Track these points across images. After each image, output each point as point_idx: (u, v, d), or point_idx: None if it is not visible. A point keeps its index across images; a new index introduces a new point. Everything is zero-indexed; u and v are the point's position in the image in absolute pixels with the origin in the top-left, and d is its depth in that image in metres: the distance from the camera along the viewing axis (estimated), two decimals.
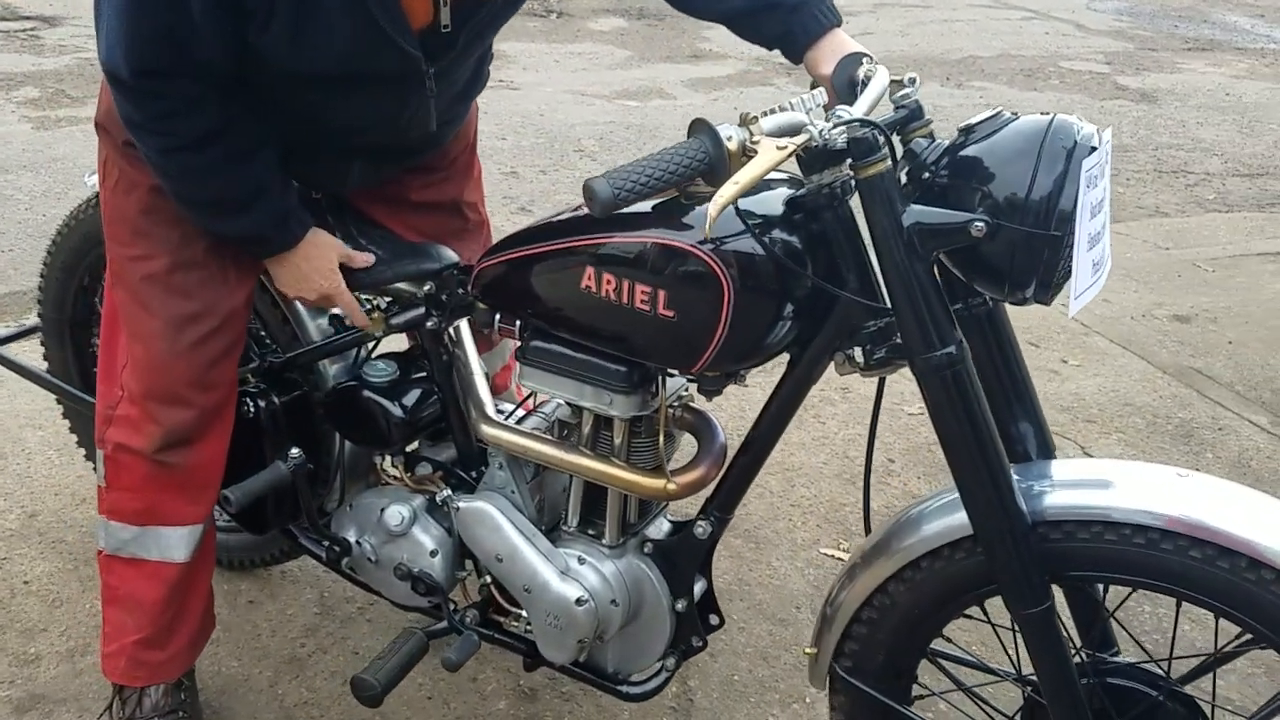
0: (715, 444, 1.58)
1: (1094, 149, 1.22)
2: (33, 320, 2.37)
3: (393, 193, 1.81)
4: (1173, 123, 6.24)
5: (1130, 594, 1.41)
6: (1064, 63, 7.54)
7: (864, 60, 1.50)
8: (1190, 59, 7.93)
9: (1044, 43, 8.12)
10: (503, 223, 3.79)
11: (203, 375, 1.65)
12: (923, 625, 1.45)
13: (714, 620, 1.69)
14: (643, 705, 1.99)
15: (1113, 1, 9.87)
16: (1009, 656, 1.49)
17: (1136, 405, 3.16)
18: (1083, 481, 1.36)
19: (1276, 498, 1.30)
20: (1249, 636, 1.29)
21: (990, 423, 1.30)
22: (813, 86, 1.58)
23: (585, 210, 1.35)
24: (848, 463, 2.77)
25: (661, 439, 1.53)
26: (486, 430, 1.65)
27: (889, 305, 1.32)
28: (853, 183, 1.31)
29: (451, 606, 1.75)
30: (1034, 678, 1.39)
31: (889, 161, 1.26)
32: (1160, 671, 1.42)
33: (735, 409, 2.84)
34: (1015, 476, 1.36)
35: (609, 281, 1.38)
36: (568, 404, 1.60)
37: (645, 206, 1.37)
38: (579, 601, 1.58)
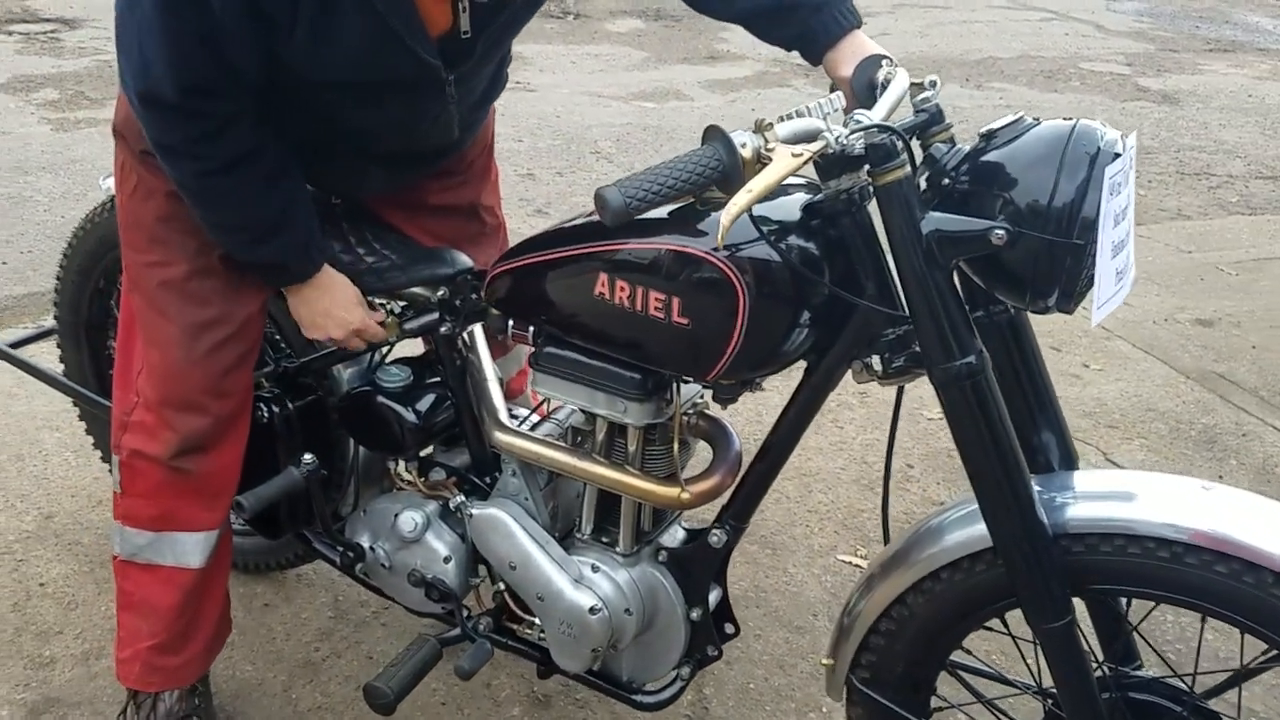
0: (730, 452, 1.56)
1: (1117, 155, 1.20)
2: (49, 323, 2.37)
3: (410, 197, 1.79)
4: (1195, 124, 6.19)
5: (1154, 608, 1.39)
6: (1084, 64, 7.49)
7: (884, 63, 1.47)
8: (1212, 60, 7.87)
9: (1064, 44, 8.07)
10: (519, 225, 3.78)
11: (218, 382, 1.64)
12: (941, 638, 1.43)
13: (729, 629, 1.67)
14: (657, 714, 1.97)
15: (1133, 2, 9.80)
16: (1029, 668, 1.47)
17: (1159, 410, 3.12)
18: (1106, 494, 1.33)
19: None
20: (1275, 653, 1.27)
21: (1011, 434, 1.28)
22: (832, 89, 1.56)
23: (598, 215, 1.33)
24: (866, 468, 2.75)
25: (676, 447, 1.51)
26: (499, 437, 1.64)
27: (907, 313, 1.30)
28: (871, 188, 1.29)
29: (465, 613, 1.74)
30: (1054, 691, 1.37)
31: (908, 168, 1.24)
32: (1184, 686, 1.39)
33: (751, 413, 2.82)
34: (1037, 488, 1.34)
35: (622, 288, 1.37)
36: (581, 411, 1.58)
37: (660, 213, 1.35)
38: (592, 610, 1.57)
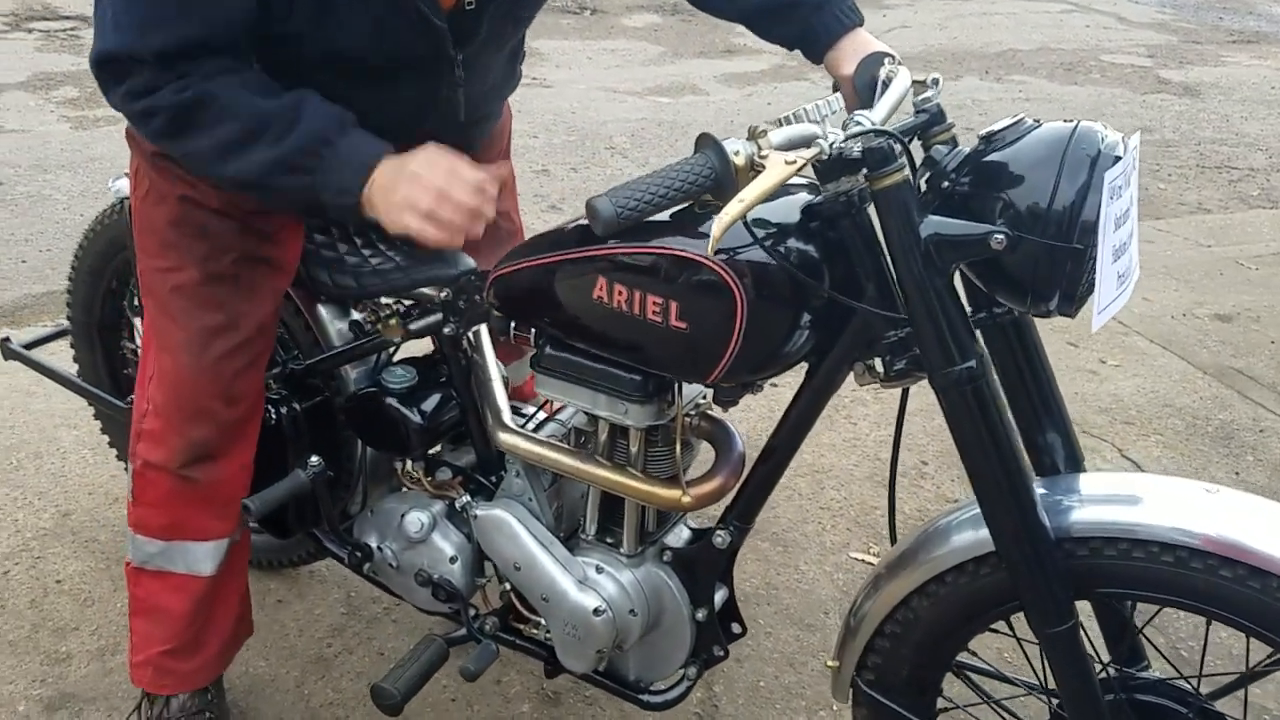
0: (733, 453, 1.56)
1: (1118, 159, 1.18)
2: (66, 322, 2.39)
3: None
4: (1216, 117, 6.13)
5: (1158, 611, 1.38)
6: (1105, 56, 7.43)
7: (886, 60, 1.46)
8: (1235, 51, 7.79)
9: (1085, 36, 8.01)
10: (533, 221, 3.79)
11: (228, 388, 1.64)
12: (946, 641, 1.43)
13: (736, 629, 1.66)
14: (666, 713, 1.97)
15: None
16: (1033, 669, 1.46)
17: (1176, 406, 3.10)
18: (1110, 497, 1.32)
19: None
20: (1275, 659, 1.26)
21: (1013, 437, 1.27)
22: (835, 88, 1.56)
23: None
24: (879, 465, 2.74)
25: (678, 448, 1.51)
26: (503, 437, 1.64)
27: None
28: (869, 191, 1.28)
29: (472, 613, 1.75)
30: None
31: (905, 172, 1.23)
32: (1190, 688, 1.38)
33: (765, 410, 2.82)
34: (1042, 491, 1.33)
35: (620, 292, 1.36)
36: (583, 412, 1.58)
37: (658, 216, 1.34)
38: (596, 611, 1.57)
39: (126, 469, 1.79)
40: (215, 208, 1.57)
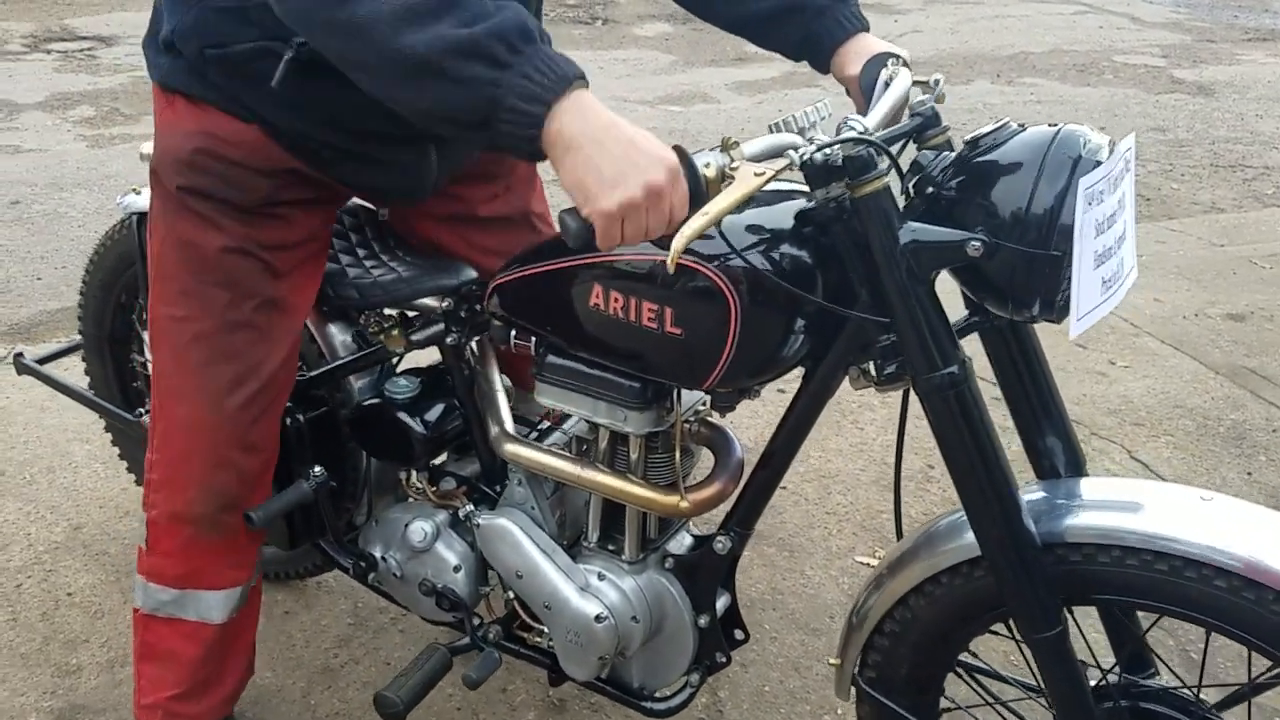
0: (732, 459, 1.56)
1: (1099, 164, 1.17)
2: (75, 338, 2.42)
3: (459, 209, 1.76)
4: (1230, 115, 6.09)
5: (1157, 620, 1.37)
6: (1118, 57, 7.40)
7: (889, 61, 1.46)
8: (1250, 50, 7.74)
9: (1098, 37, 7.98)
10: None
11: (246, 436, 1.61)
12: (945, 641, 1.42)
13: (739, 635, 1.67)
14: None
15: None
16: (1034, 673, 1.45)
17: (1187, 407, 3.08)
18: (1104, 503, 1.31)
19: None
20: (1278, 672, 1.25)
21: (996, 443, 1.27)
22: (847, 92, 1.57)
23: None
24: (885, 469, 2.74)
25: (678, 455, 1.52)
26: (505, 446, 1.65)
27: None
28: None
29: (476, 622, 1.76)
30: None
31: (885, 180, 1.22)
32: (1192, 696, 1.37)
33: (774, 416, 2.82)
34: (1039, 495, 1.33)
35: (616, 299, 1.37)
36: (584, 420, 1.59)
37: None
38: (598, 618, 1.58)
39: (139, 483, 1.79)
40: (237, 247, 1.51)
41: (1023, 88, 6.52)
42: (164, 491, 1.65)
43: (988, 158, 1.23)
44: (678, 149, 1.18)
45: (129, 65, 6.43)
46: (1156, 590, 1.24)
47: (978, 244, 1.18)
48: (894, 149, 1.26)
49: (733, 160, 1.18)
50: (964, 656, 1.49)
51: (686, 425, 1.55)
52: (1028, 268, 1.18)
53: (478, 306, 1.67)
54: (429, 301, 1.72)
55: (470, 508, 1.72)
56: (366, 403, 1.76)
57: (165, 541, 1.68)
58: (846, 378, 1.41)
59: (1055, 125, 1.23)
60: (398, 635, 2.18)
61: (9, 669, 2.08)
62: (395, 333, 1.74)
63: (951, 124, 1.39)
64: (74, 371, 2.52)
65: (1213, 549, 1.20)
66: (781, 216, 1.34)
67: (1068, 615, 1.33)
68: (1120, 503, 1.30)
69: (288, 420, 1.84)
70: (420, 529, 1.73)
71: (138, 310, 2.26)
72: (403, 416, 1.71)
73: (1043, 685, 1.36)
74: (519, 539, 1.65)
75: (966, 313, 1.37)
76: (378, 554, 1.81)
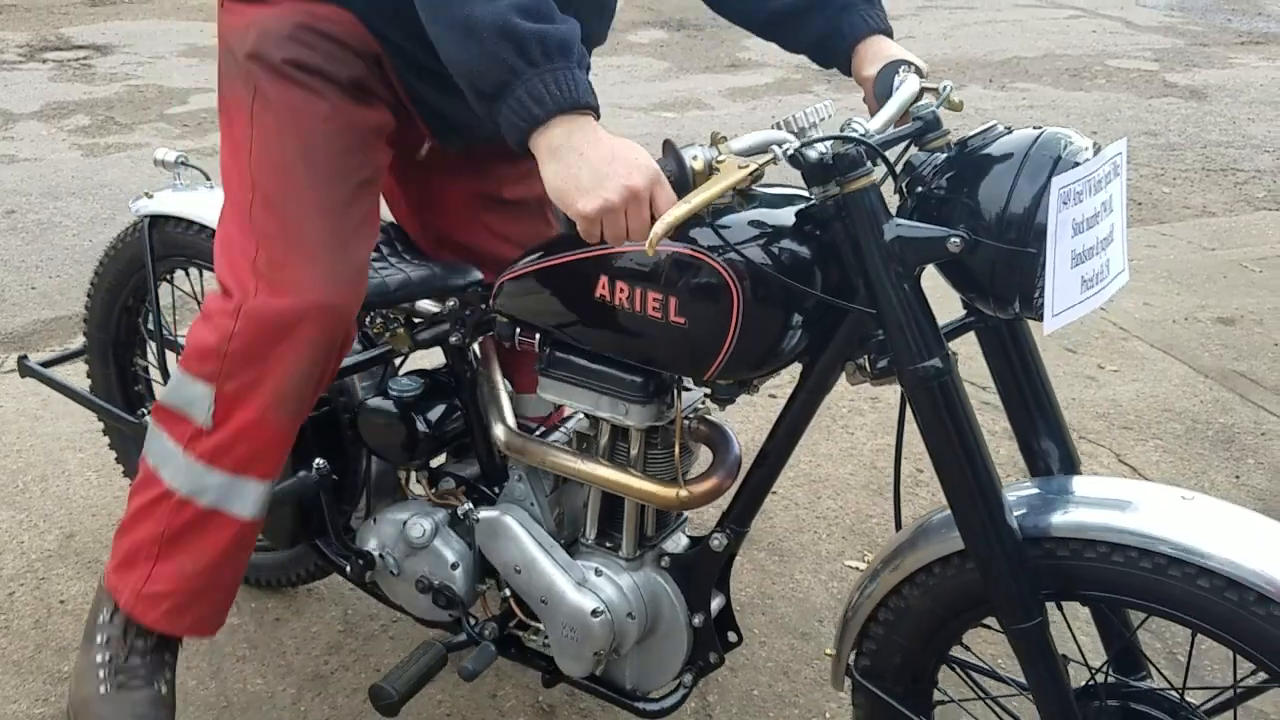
0: (730, 455, 1.60)
1: (1077, 165, 1.21)
2: (78, 344, 2.43)
3: (489, 189, 1.81)
4: (1223, 119, 6.11)
5: (1146, 619, 1.39)
6: (1111, 61, 7.42)
7: (900, 68, 1.51)
8: (1243, 53, 7.77)
9: (1091, 41, 8.01)
10: None
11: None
12: (938, 632, 1.44)
13: (732, 637, 1.69)
14: None
15: None
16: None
17: (1176, 411, 3.09)
18: (1086, 500, 1.33)
19: None
20: (1266, 677, 1.25)
21: (979, 436, 1.30)
22: (864, 96, 1.61)
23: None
24: (875, 474, 2.75)
25: (678, 450, 1.55)
26: (508, 441, 1.68)
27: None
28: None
29: (471, 622, 1.78)
30: None
31: (873, 177, 1.27)
32: (1186, 702, 1.39)
33: (764, 422, 2.83)
34: (1027, 491, 1.36)
35: (622, 290, 1.42)
36: (585, 415, 1.63)
37: None
38: (595, 613, 1.60)
39: (188, 409, 1.63)
40: (342, 121, 1.55)
41: (1015, 93, 6.55)
42: (247, 365, 1.56)
43: (973, 158, 1.28)
44: (667, 142, 1.26)
45: (124, 74, 6.46)
46: (1139, 588, 1.26)
47: (957, 240, 1.23)
48: (893, 150, 1.32)
49: (720, 154, 1.23)
50: (959, 654, 1.51)
51: (685, 422, 1.58)
52: (1007, 264, 1.23)
53: (483, 305, 1.71)
54: (432, 302, 1.75)
55: (469, 506, 1.75)
56: (371, 401, 1.78)
57: (239, 415, 1.58)
58: (843, 373, 1.45)
59: (1039, 128, 1.27)
60: (388, 642, 2.19)
61: (1, 676, 2.09)
62: (401, 332, 1.77)
63: (945, 129, 1.43)
64: (74, 379, 2.53)
65: (1192, 548, 1.22)
66: (784, 214, 1.40)
67: (1057, 611, 1.35)
68: (1103, 500, 1.32)
69: None
70: (420, 525, 1.75)
71: (143, 314, 2.29)
72: (407, 415, 1.74)
73: (1025, 678, 1.37)
74: (518, 533, 1.67)
75: (963, 313, 1.42)
76: (375, 552, 1.83)
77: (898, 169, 1.36)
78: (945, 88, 1.46)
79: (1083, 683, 1.42)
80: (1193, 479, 2.76)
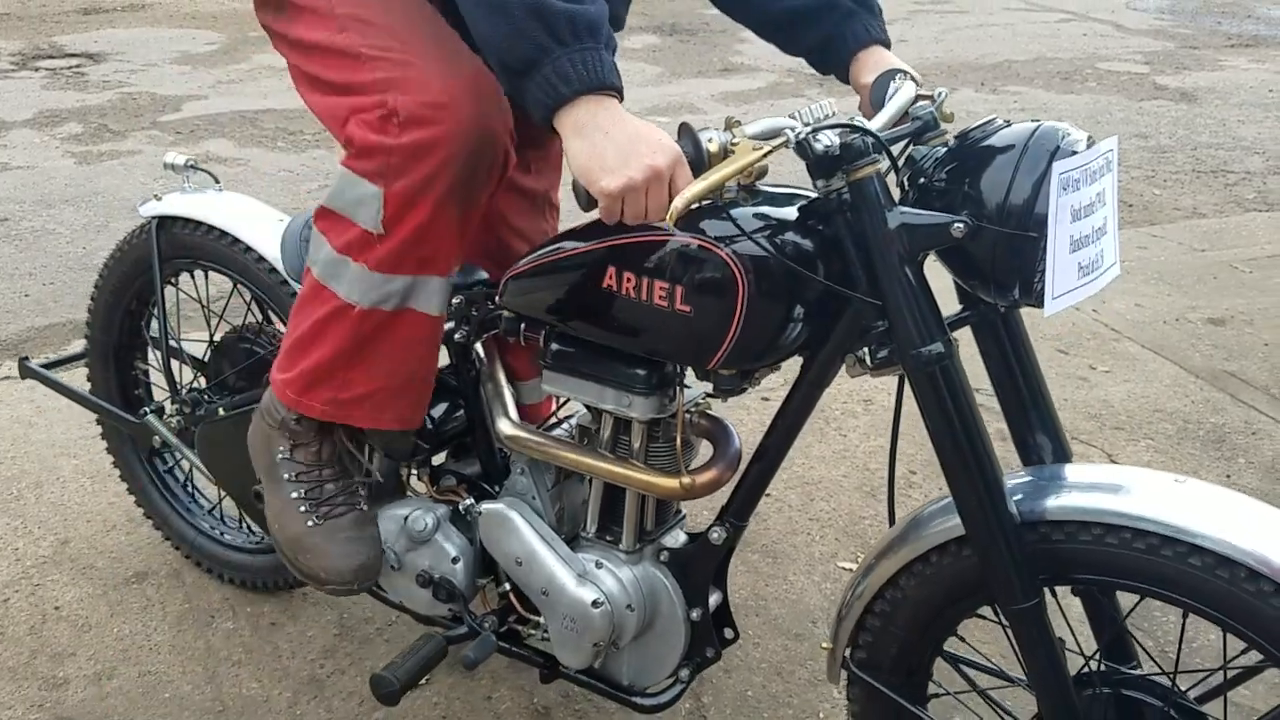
0: (731, 448, 1.62)
1: (1075, 154, 1.25)
2: (78, 347, 2.43)
3: (512, 175, 1.76)
4: (1213, 122, 6.14)
5: (1140, 601, 1.40)
6: (1102, 64, 7.45)
7: (897, 75, 1.56)
8: (1233, 56, 7.80)
9: (1081, 44, 8.04)
10: None
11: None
12: (935, 621, 1.46)
13: (729, 634, 1.72)
14: (656, 718, 2.00)
15: (1154, 0, 9.74)
16: (1021, 662, 1.48)
17: (1166, 411, 3.11)
18: (1081, 485, 1.36)
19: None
20: (1261, 658, 1.27)
21: (979, 420, 1.33)
22: (860, 102, 1.65)
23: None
24: (868, 475, 2.76)
25: (679, 443, 1.57)
26: (512, 435, 1.70)
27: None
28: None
29: (471, 617, 1.79)
30: None
31: (878, 165, 1.31)
32: (1176, 687, 1.40)
33: (758, 425, 2.85)
34: (1022, 479, 1.39)
35: (629, 279, 1.45)
36: (588, 408, 1.65)
37: None
38: (595, 604, 1.62)
39: (354, 213, 1.55)
40: None
41: (1006, 96, 6.57)
42: (416, 161, 1.48)
43: (973, 150, 1.32)
44: (684, 125, 1.31)
45: (117, 82, 6.46)
46: (1133, 569, 1.28)
47: (961, 225, 1.27)
48: (894, 147, 1.36)
49: (734, 137, 1.29)
50: (955, 650, 1.52)
51: (687, 416, 1.60)
52: (1008, 249, 1.27)
53: (489, 304, 1.73)
54: None
55: (470, 501, 1.77)
56: None
57: (412, 217, 1.50)
58: (844, 367, 1.47)
59: (1037, 121, 1.32)
60: (383, 646, 2.20)
61: None
62: None
63: (943, 129, 1.47)
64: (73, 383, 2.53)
65: (1183, 527, 1.25)
66: (788, 210, 1.43)
67: (1051, 603, 1.36)
68: (1097, 484, 1.35)
69: None
70: (421, 519, 1.77)
71: (147, 317, 2.30)
72: None
73: (1022, 664, 1.39)
74: (519, 526, 1.69)
75: (960, 306, 1.45)
76: None
77: (899, 163, 1.40)
78: (940, 95, 1.51)
79: (1076, 670, 1.44)
80: None
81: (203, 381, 2.20)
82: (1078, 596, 1.48)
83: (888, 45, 1.64)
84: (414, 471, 1.89)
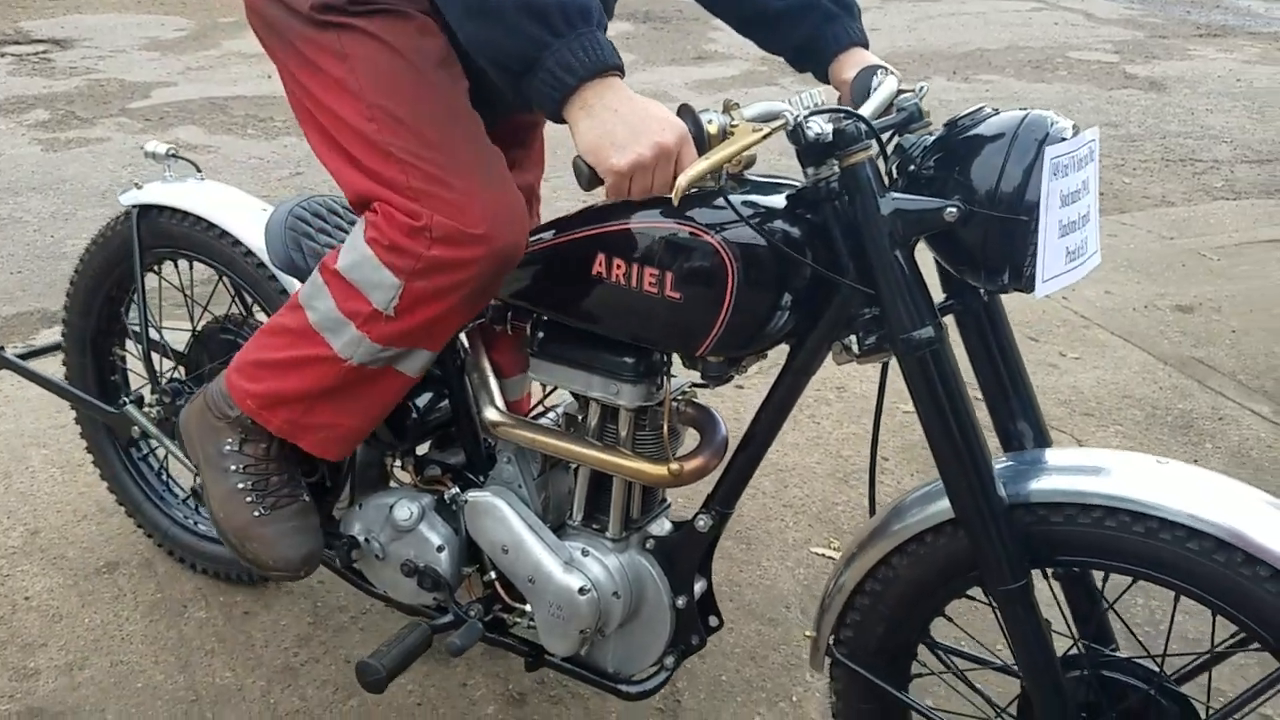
0: (717, 436, 1.64)
1: (1064, 139, 1.27)
2: (45, 338, 2.41)
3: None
4: (1182, 111, 6.20)
5: (1132, 583, 1.41)
6: (1072, 53, 7.50)
7: (878, 71, 1.58)
8: (1201, 45, 7.87)
9: (1053, 33, 8.09)
10: None
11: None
12: (918, 606, 1.47)
13: (713, 621, 1.73)
14: (630, 706, 2.01)
15: None
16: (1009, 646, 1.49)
17: (1135, 397, 3.14)
18: (1065, 467, 1.39)
19: (1276, 487, 1.30)
20: (1243, 635, 1.29)
21: (968, 402, 1.34)
22: (839, 97, 1.67)
23: (594, 205, 1.45)
24: (841, 462, 2.78)
25: (665, 431, 1.58)
26: (499, 424, 1.70)
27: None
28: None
29: (456, 605, 1.79)
30: None
31: (871, 150, 1.33)
32: (1156, 668, 1.42)
33: (743, 416, 2.85)
34: (1008, 463, 1.40)
35: (619, 266, 1.45)
36: (575, 396, 1.66)
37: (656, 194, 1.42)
38: (582, 591, 1.62)
39: (369, 292, 1.56)
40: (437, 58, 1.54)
41: (979, 84, 6.60)
42: (441, 273, 1.51)
43: (962, 137, 1.33)
44: (684, 106, 1.33)
45: (84, 68, 6.38)
46: (1119, 548, 1.30)
47: (953, 210, 1.29)
48: (882, 136, 1.37)
49: (733, 119, 1.31)
50: (938, 636, 1.53)
51: (674, 404, 1.61)
52: (1000, 232, 1.28)
53: None
54: None
55: (456, 490, 1.77)
56: None
57: (423, 311, 1.55)
58: (830, 354, 1.49)
59: (1025, 109, 1.33)
60: (358, 634, 2.19)
61: None
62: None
63: (928, 120, 1.49)
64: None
65: (1165, 505, 1.27)
66: (776, 199, 1.45)
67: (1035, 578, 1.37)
68: (1080, 467, 1.38)
69: None
70: (406, 508, 1.77)
71: (126, 304, 2.28)
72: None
73: (1010, 645, 1.40)
74: (506, 514, 1.69)
75: (944, 296, 1.46)
76: (360, 536, 1.84)
77: (888, 152, 1.42)
78: (921, 89, 1.53)
79: (1062, 653, 1.45)
80: None
81: (182, 372, 2.19)
82: (1057, 580, 1.50)
83: (866, 46, 1.66)
84: (398, 461, 1.89)
